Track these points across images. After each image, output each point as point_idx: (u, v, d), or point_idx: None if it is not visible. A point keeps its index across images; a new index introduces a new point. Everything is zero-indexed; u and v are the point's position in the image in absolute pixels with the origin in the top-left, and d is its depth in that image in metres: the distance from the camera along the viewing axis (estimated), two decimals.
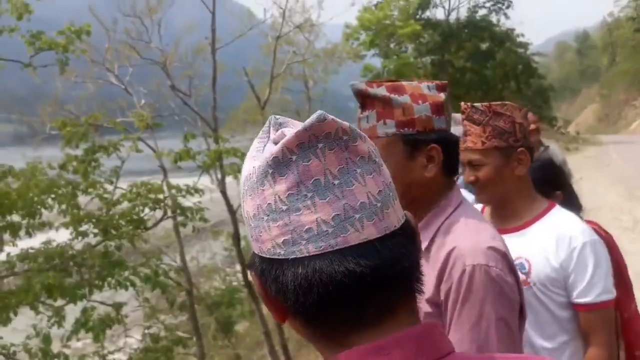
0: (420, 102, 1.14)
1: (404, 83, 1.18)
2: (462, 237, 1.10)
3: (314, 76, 14.26)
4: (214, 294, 11.33)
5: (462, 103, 1.57)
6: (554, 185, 1.96)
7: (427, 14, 31.60)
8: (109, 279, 5.43)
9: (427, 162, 1.14)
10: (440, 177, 1.17)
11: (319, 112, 0.56)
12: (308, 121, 0.55)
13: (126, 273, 5.55)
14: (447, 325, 1.06)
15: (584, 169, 16.60)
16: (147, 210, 6.49)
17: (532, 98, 33.68)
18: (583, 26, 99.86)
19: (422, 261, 0.59)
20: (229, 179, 8.64)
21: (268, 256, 0.57)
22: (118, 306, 6.21)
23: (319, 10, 14.29)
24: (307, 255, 0.54)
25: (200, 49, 9.35)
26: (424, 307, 1.09)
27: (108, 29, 8.54)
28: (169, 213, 6.97)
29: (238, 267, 11.45)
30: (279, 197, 0.55)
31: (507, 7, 32.51)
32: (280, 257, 0.55)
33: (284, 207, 0.54)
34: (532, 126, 3.02)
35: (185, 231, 8.54)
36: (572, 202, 2.11)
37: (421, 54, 29.53)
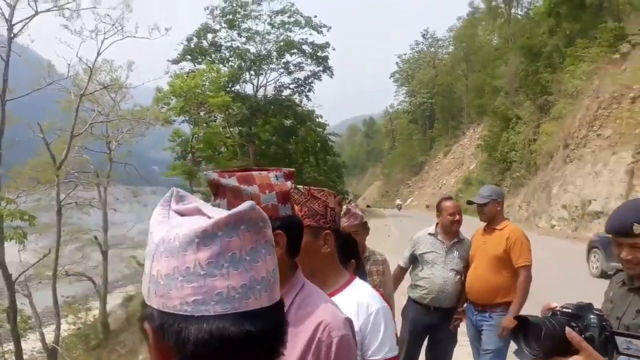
0: (267, 191, 1.25)
1: (254, 173, 1.27)
2: (323, 312, 1.27)
3: (118, 137, 13.64)
4: None
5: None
6: (350, 255, 2.36)
7: (237, 87, 33.36)
8: None
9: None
10: (285, 259, 1.30)
11: (251, 203, 0.67)
12: (242, 207, 0.66)
13: None
14: None
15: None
16: None
17: (328, 172, 37.35)
18: (370, 113, 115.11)
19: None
20: (9, 245, 7.59)
21: (173, 311, 0.64)
22: None
23: (128, 71, 14.02)
24: (213, 314, 0.63)
25: None
26: None
27: None
28: None
29: (11, 346, 9.73)
30: (199, 263, 0.63)
31: (309, 91, 36.32)
32: (186, 313, 0.63)
33: (202, 272, 0.63)
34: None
35: None
36: (361, 271, 2.62)
37: (230, 125, 30.53)
